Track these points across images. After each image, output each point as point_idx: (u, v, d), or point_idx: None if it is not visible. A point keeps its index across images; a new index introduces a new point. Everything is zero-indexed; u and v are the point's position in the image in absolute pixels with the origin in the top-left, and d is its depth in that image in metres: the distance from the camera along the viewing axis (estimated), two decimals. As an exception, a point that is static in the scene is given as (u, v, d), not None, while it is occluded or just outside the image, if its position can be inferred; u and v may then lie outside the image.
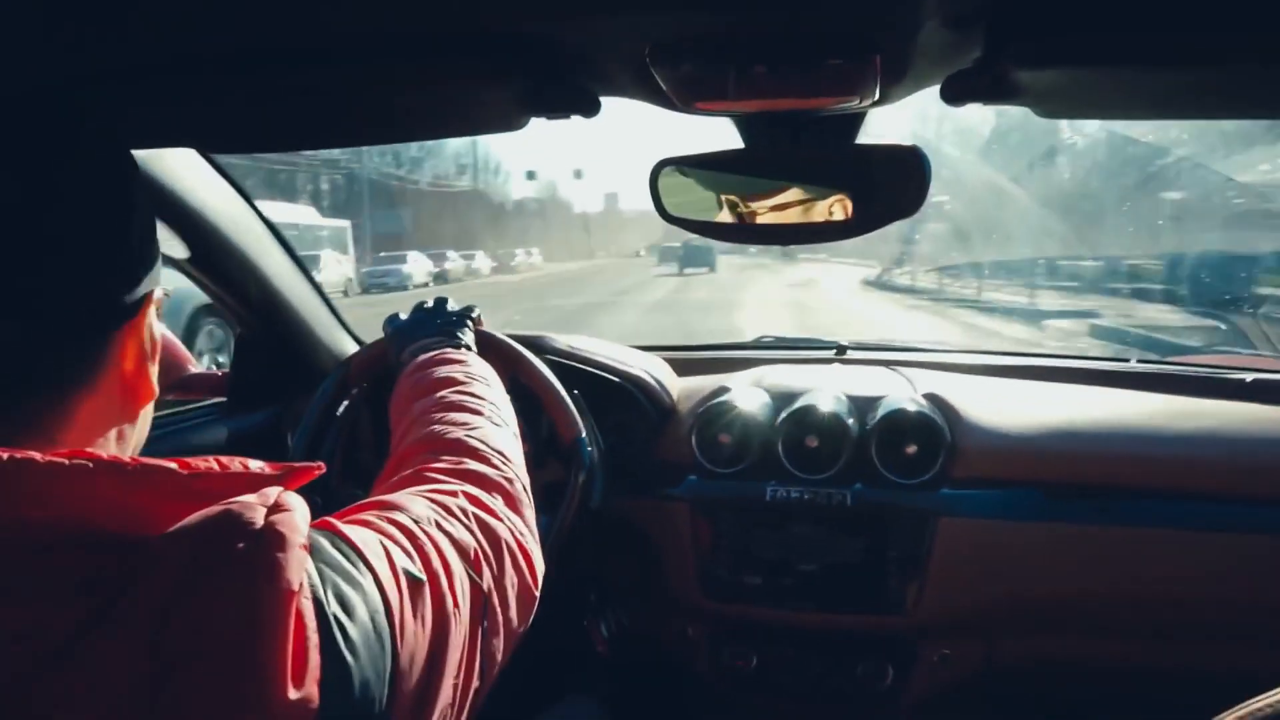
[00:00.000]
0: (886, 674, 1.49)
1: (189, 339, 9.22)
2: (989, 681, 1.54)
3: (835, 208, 1.09)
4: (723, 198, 1.15)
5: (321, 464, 0.61)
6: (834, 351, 1.89)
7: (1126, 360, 1.75)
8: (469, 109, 1.00)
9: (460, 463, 0.83)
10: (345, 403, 1.47)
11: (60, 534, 0.50)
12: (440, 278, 29.14)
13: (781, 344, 2.05)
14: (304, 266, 1.69)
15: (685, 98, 0.97)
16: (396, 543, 0.63)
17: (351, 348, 1.84)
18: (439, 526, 0.70)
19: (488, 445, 0.87)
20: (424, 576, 0.62)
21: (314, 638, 0.51)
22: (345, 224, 20.80)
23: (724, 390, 1.59)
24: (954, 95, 0.87)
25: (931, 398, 1.52)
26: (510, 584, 0.74)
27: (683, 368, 1.78)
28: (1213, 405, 1.53)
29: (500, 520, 0.77)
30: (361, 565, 0.58)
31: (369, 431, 1.56)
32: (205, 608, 0.50)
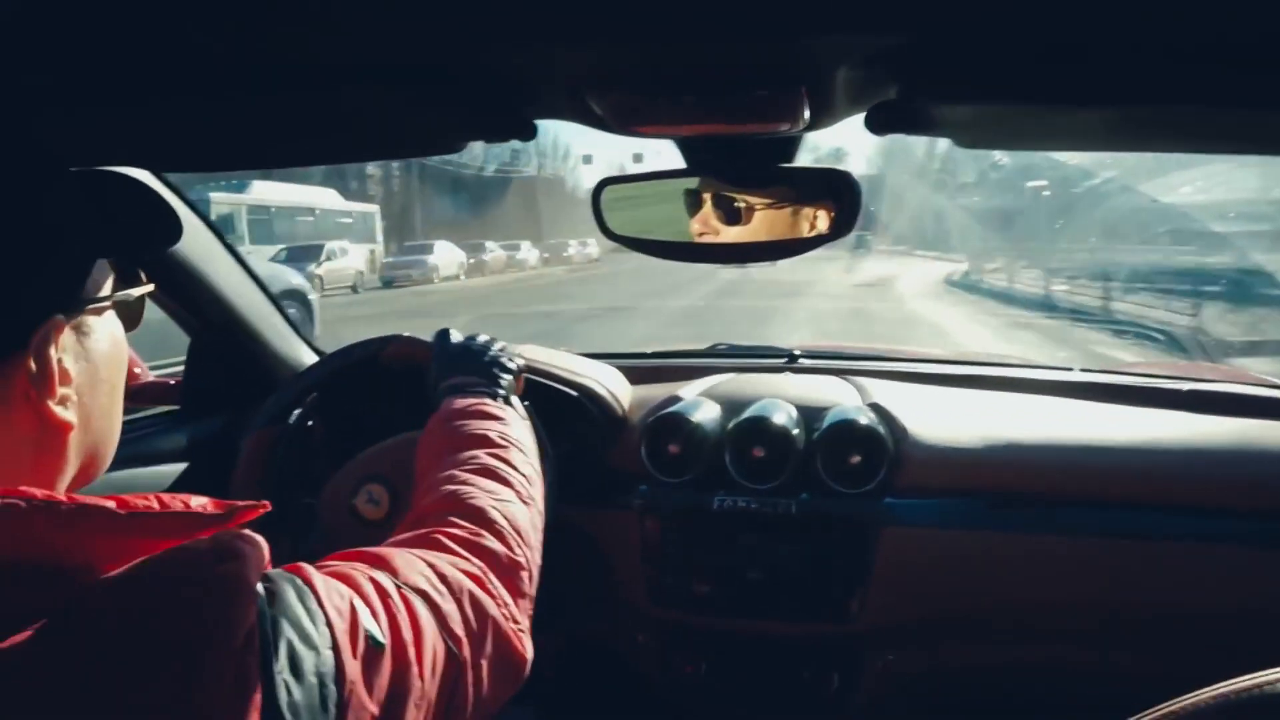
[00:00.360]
0: (832, 680, 1.52)
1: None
2: (934, 687, 1.57)
3: (772, 228, 1.11)
4: (665, 216, 1.17)
5: (267, 504, 0.59)
6: (785, 360, 1.92)
7: (1070, 370, 1.79)
8: (405, 134, 1.01)
9: (477, 535, 0.82)
10: (298, 410, 1.47)
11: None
12: (476, 269, 27.50)
13: (735, 352, 2.07)
14: (254, 274, 1.69)
15: (620, 121, 0.99)
16: (368, 602, 0.62)
17: (308, 357, 1.84)
18: (424, 595, 0.68)
19: (509, 524, 0.85)
20: (385, 642, 0.60)
21: (256, 698, 0.50)
22: (373, 209, 19.25)
23: (674, 400, 1.61)
24: (877, 125, 0.89)
25: (876, 408, 1.55)
26: (490, 664, 0.73)
27: (636, 376, 1.79)
28: (1152, 415, 1.56)
29: (496, 602, 0.76)
30: (321, 623, 0.57)
31: (321, 439, 1.57)
32: (146, 657, 0.49)
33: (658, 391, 1.69)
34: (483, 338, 1.28)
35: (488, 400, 1.10)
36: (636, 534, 1.53)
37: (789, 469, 1.48)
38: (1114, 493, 1.42)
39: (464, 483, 0.89)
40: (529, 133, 0.99)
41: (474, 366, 1.20)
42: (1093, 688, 1.53)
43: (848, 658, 1.52)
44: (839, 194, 1.05)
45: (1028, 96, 0.78)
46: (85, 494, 0.54)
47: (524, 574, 0.83)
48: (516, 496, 0.91)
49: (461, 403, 1.08)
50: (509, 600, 0.78)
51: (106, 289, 0.64)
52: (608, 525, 1.55)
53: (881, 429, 1.49)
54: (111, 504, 0.52)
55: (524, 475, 0.96)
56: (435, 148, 1.03)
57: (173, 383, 1.83)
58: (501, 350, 1.26)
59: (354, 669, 0.56)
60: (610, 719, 1.75)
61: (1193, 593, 1.37)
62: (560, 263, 36.77)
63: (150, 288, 0.72)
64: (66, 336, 0.59)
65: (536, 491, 0.96)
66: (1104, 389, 1.67)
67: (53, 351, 0.57)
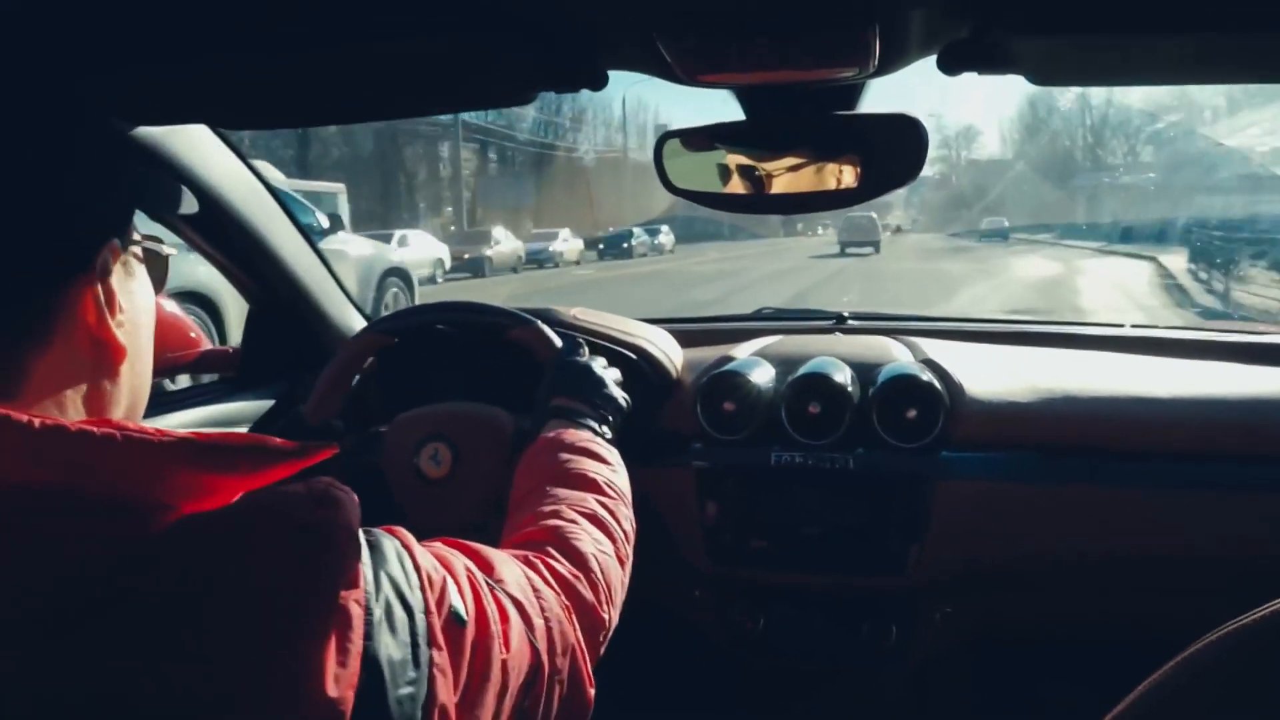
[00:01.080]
0: (890, 633, 1.53)
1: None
2: (993, 638, 1.58)
3: (837, 176, 1.12)
4: (728, 168, 1.17)
5: (336, 446, 0.59)
6: (834, 321, 1.93)
7: (1121, 325, 1.78)
8: (474, 82, 1.02)
9: (575, 577, 0.82)
10: (356, 376, 1.50)
11: (76, 499, 0.49)
12: (543, 259, 27.14)
13: (783, 315, 2.08)
14: (313, 242, 1.72)
15: (689, 70, 0.99)
16: (458, 583, 0.63)
17: (360, 323, 1.87)
18: (516, 602, 0.69)
19: (604, 578, 0.85)
20: (469, 620, 0.61)
21: (356, 646, 0.50)
22: (336, 188, 18.40)
23: (727, 360, 1.62)
24: (950, 65, 0.89)
25: (930, 363, 1.55)
26: (564, 687, 0.74)
27: (686, 339, 1.80)
28: (1205, 367, 1.56)
29: (574, 640, 0.77)
30: (416, 587, 0.58)
31: (377, 400, 1.60)
32: (250, 591, 0.49)
33: (709, 354, 1.69)
34: (602, 366, 1.28)
35: (598, 440, 1.10)
36: (692, 492, 1.54)
37: (845, 425, 1.49)
38: (1168, 444, 1.42)
39: (572, 521, 0.90)
40: (600, 82, 1.00)
41: (590, 395, 1.20)
42: (1149, 637, 1.53)
43: (905, 610, 1.53)
44: (905, 140, 1.05)
45: (1105, 26, 0.79)
46: None
47: (602, 634, 0.84)
48: (615, 553, 0.91)
49: (573, 435, 1.09)
50: (583, 642, 0.78)
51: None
52: (663, 484, 1.55)
53: (937, 383, 1.49)
54: (192, 435, 0.53)
55: (625, 532, 0.96)
56: (504, 98, 1.04)
57: (231, 351, 1.86)
58: (618, 382, 1.27)
59: (440, 638, 0.57)
60: (669, 675, 1.78)
61: (1250, 540, 1.37)
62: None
63: (174, 251, 0.74)
64: (116, 270, 0.61)
65: (629, 549, 0.96)
66: (1156, 342, 1.67)
67: (113, 276, 0.60)
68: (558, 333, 1.40)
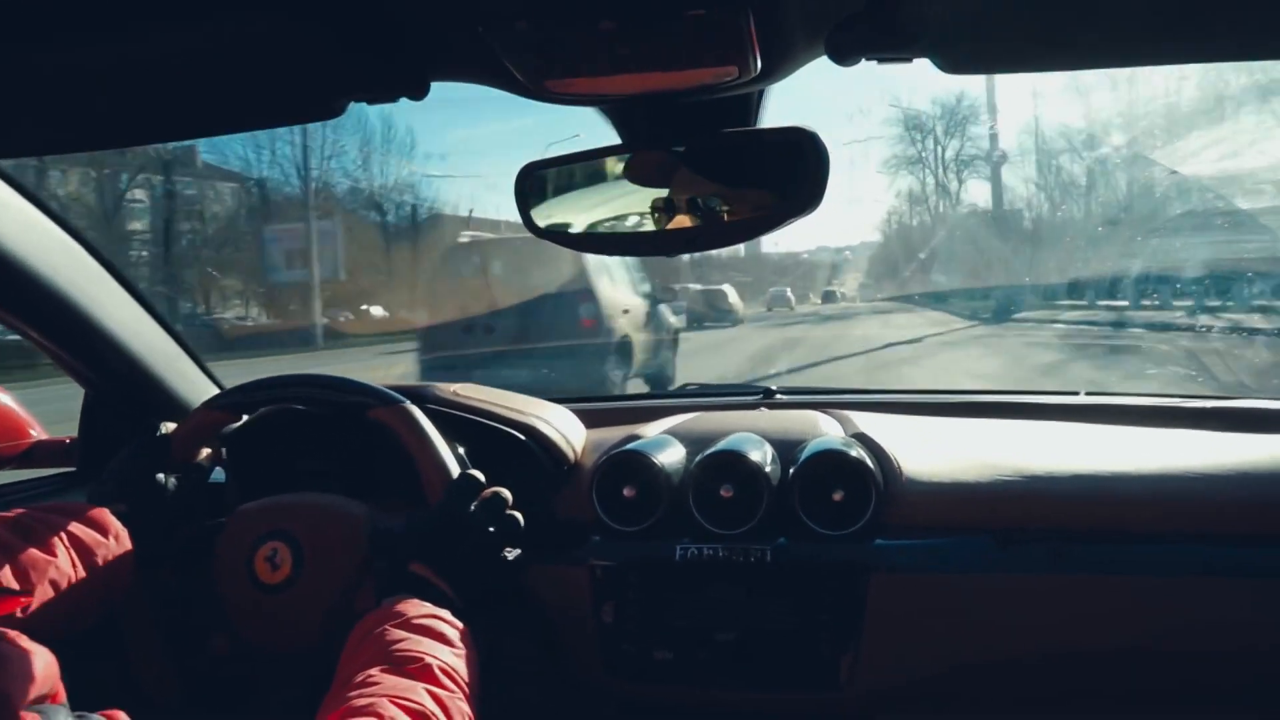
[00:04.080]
0: None
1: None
2: None
3: (729, 206, 0.94)
4: (600, 202, 1.00)
5: (28, 597, 0.54)
6: (760, 395, 1.74)
7: (1076, 394, 1.62)
8: (275, 91, 0.84)
9: None
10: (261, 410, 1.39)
11: None
12: None
13: (706, 391, 1.90)
14: (151, 305, 1.50)
15: (534, 75, 0.81)
16: None
17: None
18: None
19: None
20: None
21: None
22: None
23: (632, 439, 1.43)
24: (841, 50, 0.72)
25: (861, 438, 1.37)
26: None
27: (595, 419, 1.62)
28: (1172, 435, 1.41)
29: None
30: None
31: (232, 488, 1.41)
32: None
33: (616, 434, 1.51)
34: (502, 502, 1.19)
35: (442, 615, 1.01)
36: (588, 593, 1.33)
37: (763, 510, 1.29)
38: (1136, 523, 1.25)
39: (391, 718, 0.83)
40: (422, 89, 0.82)
41: (459, 553, 1.13)
42: None
43: None
44: (803, 158, 0.87)
45: None
46: None
47: None
48: None
49: (415, 608, 1.00)
50: None
51: None
52: (556, 584, 1.35)
53: (868, 460, 1.30)
54: None
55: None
56: (308, 110, 0.86)
57: (67, 442, 1.64)
58: (513, 529, 1.18)
59: None
60: None
61: (1235, 631, 1.20)
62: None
63: None
64: None
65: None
66: (1114, 410, 1.50)
67: None
68: (454, 453, 1.26)
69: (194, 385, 1.60)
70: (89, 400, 1.56)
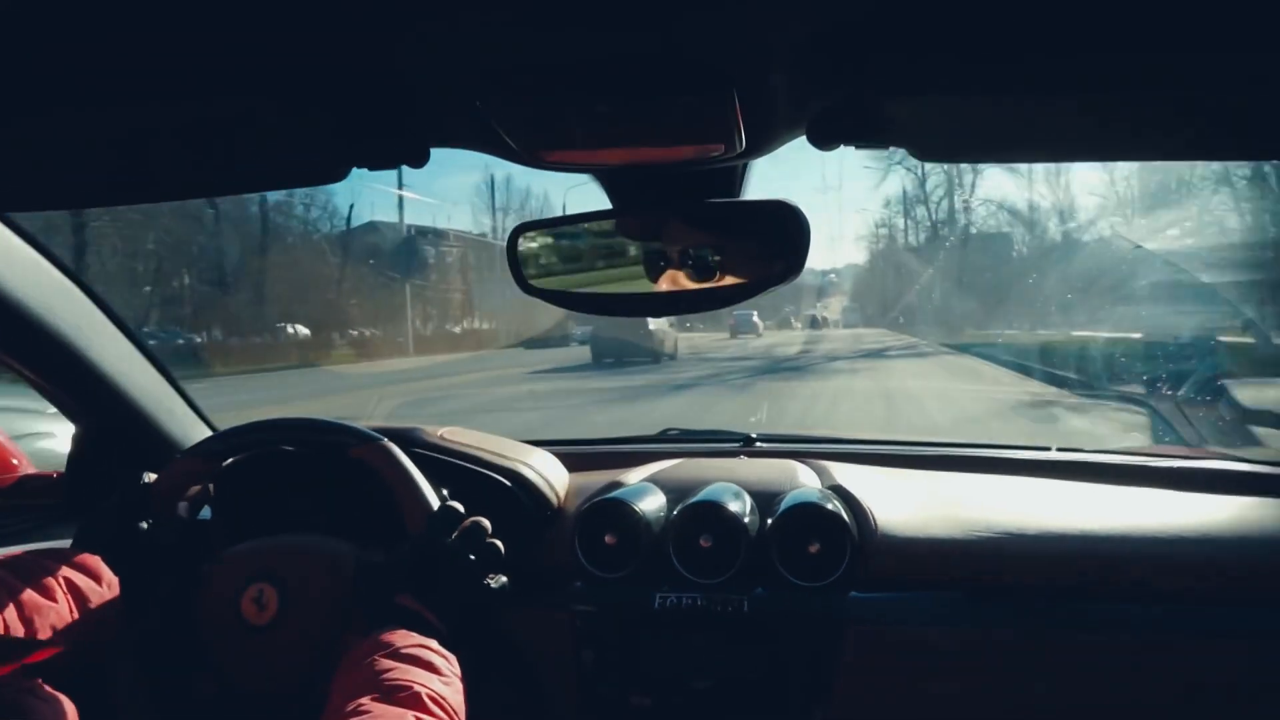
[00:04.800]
0: None
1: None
2: None
3: (711, 271, 0.97)
4: (590, 265, 1.03)
5: (57, 648, 0.49)
6: (741, 443, 1.77)
7: (1047, 449, 1.65)
8: (280, 161, 0.87)
9: None
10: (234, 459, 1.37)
11: None
12: None
13: (687, 437, 1.92)
14: (144, 345, 1.52)
15: (530, 147, 0.85)
16: None
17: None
18: None
19: None
20: None
21: None
22: None
23: (615, 486, 1.45)
24: (821, 136, 0.76)
25: (838, 490, 1.39)
26: None
27: (578, 463, 1.64)
28: (1144, 495, 1.43)
29: None
30: None
31: (220, 531, 1.41)
32: None
33: (599, 479, 1.52)
34: (482, 531, 1.18)
35: (430, 644, 1.02)
36: (569, 639, 1.34)
37: (741, 560, 1.31)
38: (1102, 582, 1.27)
39: None
40: (422, 158, 0.86)
41: (443, 582, 1.12)
42: None
43: None
44: (785, 230, 0.91)
45: (984, 87, 0.66)
46: None
47: None
48: None
49: (404, 639, 1.00)
50: None
51: None
52: (537, 629, 1.36)
53: (844, 513, 1.33)
54: None
55: None
56: (313, 175, 0.89)
57: (55, 475, 1.65)
58: (494, 556, 1.17)
59: None
60: None
61: (1206, 697, 1.21)
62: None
63: None
64: None
65: None
66: (1085, 467, 1.53)
67: None
68: (433, 485, 1.27)
69: (184, 424, 1.61)
70: (79, 436, 1.57)
